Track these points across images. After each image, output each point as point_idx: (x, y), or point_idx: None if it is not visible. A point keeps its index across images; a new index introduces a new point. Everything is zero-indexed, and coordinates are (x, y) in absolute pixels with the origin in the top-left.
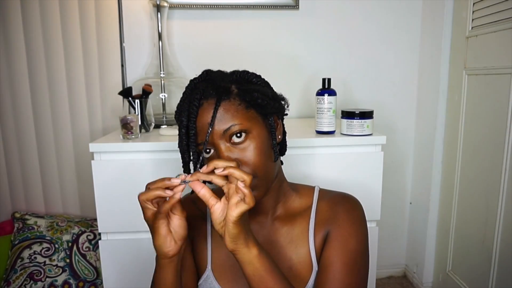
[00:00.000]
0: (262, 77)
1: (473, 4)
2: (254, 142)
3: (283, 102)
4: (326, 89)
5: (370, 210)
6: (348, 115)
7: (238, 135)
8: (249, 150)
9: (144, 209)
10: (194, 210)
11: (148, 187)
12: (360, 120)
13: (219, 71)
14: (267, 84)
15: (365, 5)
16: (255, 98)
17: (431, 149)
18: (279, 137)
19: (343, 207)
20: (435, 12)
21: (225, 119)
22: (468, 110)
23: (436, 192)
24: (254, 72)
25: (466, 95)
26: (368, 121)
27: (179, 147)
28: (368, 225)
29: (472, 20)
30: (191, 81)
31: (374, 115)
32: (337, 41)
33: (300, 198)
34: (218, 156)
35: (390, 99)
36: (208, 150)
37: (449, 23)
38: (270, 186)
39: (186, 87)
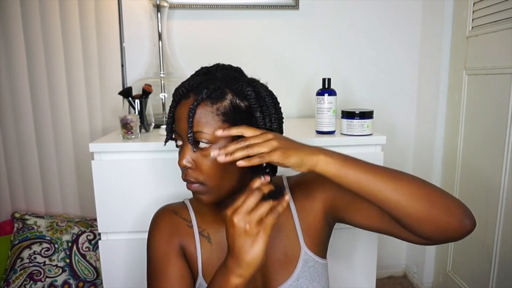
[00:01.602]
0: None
1: (473, 4)
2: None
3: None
4: (326, 89)
5: None
6: (348, 115)
7: (204, 141)
8: (209, 159)
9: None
10: (177, 220)
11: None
12: (360, 120)
13: (230, 71)
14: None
15: (365, 5)
16: (236, 119)
17: (431, 149)
18: None
19: (309, 177)
20: (435, 12)
21: (197, 122)
22: (468, 110)
23: None
24: (265, 84)
25: (466, 95)
26: (368, 121)
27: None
28: None
29: (472, 20)
30: (201, 68)
31: (374, 115)
32: (337, 41)
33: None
34: (182, 149)
35: (390, 99)
36: (180, 143)
37: (449, 23)
38: (222, 194)
39: (196, 71)
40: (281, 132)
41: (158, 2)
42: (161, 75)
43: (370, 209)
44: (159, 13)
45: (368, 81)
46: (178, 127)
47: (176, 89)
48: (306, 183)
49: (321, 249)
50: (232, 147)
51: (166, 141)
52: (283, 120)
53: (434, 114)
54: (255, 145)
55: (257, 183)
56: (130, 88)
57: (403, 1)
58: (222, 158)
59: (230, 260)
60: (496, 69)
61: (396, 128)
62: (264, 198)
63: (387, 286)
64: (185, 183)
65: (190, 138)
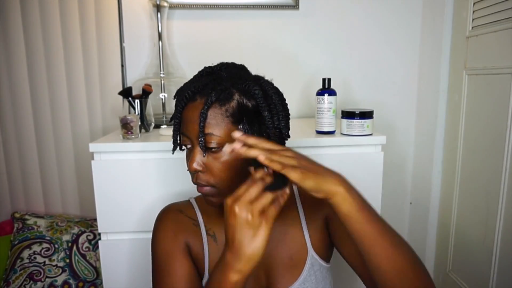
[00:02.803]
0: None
1: (473, 4)
2: (227, 156)
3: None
4: (326, 89)
5: None
6: (348, 115)
7: (214, 143)
8: (219, 162)
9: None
10: (183, 218)
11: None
12: (360, 120)
13: (235, 69)
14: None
15: (365, 5)
16: (244, 119)
17: (431, 149)
18: None
19: None
20: (435, 12)
21: (207, 124)
22: (468, 110)
23: (436, 192)
24: (271, 81)
25: (466, 95)
26: (368, 121)
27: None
28: None
29: (472, 20)
30: (205, 68)
31: (374, 115)
32: (337, 41)
33: None
34: (192, 152)
35: (390, 99)
36: (189, 146)
37: (449, 23)
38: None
39: (199, 71)
40: (288, 128)
41: (158, 2)
42: (161, 75)
43: (357, 252)
44: (159, 13)
45: (368, 81)
46: (186, 130)
47: (180, 92)
48: None
49: (326, 254)
50: (253, 140)
51: (174, 149)
52: (290, 117)
53: (434, 114)
54: (275, 155)
55: (259, 173)
56: (130, 88)
57: (403, 1)
58: (239, 148)
59: (229, 254)
60: (496, 69)
61: (396, 128)
62: (265, 190)
63: None
64: (195, 185)
65: (201, 142)
